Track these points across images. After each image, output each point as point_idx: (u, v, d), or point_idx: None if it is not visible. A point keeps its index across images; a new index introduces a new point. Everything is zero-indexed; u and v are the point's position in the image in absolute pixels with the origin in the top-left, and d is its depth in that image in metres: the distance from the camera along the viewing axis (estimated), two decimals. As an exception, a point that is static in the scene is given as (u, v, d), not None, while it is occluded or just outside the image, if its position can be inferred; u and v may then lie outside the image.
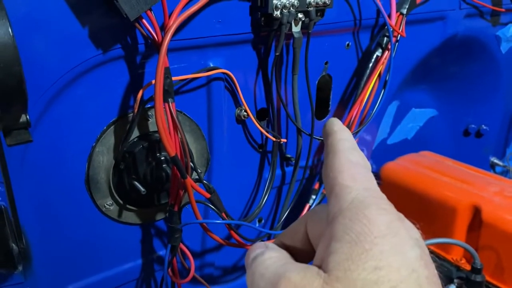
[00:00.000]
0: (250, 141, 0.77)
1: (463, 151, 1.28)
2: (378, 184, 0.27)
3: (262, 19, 0.66)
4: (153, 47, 0.59)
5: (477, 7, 1.00)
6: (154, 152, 0.65)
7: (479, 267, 0.76)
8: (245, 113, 0.71)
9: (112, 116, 0.62)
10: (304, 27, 0.70)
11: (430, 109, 1.19)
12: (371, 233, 0.23)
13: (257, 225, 0.85)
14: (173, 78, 0.57)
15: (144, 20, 0.54)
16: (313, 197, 0.83)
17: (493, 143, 1.33)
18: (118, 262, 0.72)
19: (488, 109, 1.25)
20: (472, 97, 1.22)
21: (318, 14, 0.71)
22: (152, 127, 0.64)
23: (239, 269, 0.86)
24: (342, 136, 0.29)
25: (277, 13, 0.64)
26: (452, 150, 1.25)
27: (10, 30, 0.42)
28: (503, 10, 1.04)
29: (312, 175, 0.88)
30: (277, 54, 0.68)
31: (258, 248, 0.29)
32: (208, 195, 0.65)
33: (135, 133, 0.63)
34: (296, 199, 0.83)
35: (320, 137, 0.81)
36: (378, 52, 0.81)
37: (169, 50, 0.59)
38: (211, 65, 0.66)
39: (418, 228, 0.26)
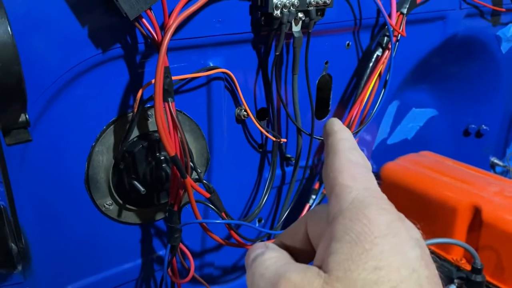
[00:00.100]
0: (250, 141, 0.76)
1: (463, 151, 1.27)
2: (378, 184, 0.27)
3: (262, 18, 0.66)
4: (153, 47, 0.59)
5: (478, 7, 1.00)
6: (154, 152, 0.65)
7: (479, 267, 0.76)
8: (245, 112, 0.71)
9: (111, 116, 0.62)
10: (304, 26, 0.70)
11: (430, 109, 1.19)
12: (371, 233, 0.23)
13: (257, 225, 0.85)
14: (173, 78, 0.57)
15: (144, 20, 0.54)
16: (313, 197, 0.83)
17: (493, 143, 1.33)
18: (118, 262, 0.72)
19: (488, 109, 1.25)
20: (472, 97, 1.22)
21: (319, 13, 0.71)
22: (151, 127, 0.64)
23: (239, 269, 0.86)
24: (342, 136, 0.29)
25: (277, 12, 0.64)
26: (452, 150, 1.25)
27: (9, 29, 0.42)
28: (503, 10, 1.04)
29: (312, 175, 0.88)
30: (277, 53, 0.68)
31: (258, 248, 0.29)
32: (208, 195, 0.64)
33: (135, 132, 0.63)
34: (296, 199, 0.83)
35: (320, 137, 0.81)
36: (379, 52, 0.81)
37: (169, 49, 0.59)
38: (211, 65, 0.66)
39: (418, 228, 0.25)
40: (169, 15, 0.55)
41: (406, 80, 0.99)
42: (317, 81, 0.80)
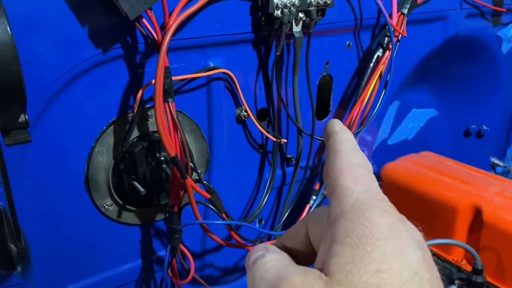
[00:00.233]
0: (250, 141, 0.76)
1: (464, 151, 1.27)
2: (379, 185, 0.27)
3: (263, 18, 0.66)
4: (153, 47, 0.58)
5: (478, 7, 1.00)
6: (154, 152, 0.65)
7: (480, 268, 0.75)
8: (245, 113, 0.71)
9: (111, 116, 0.61)
10: (305, 26, 0.70)
11: (430, 109, 1.19)
12: (372, 236, 0.23)
13: (257, 225, 0.84)
14: (173, 78, 0.57)
15: (144, 20, 0.54)
16: (314, 197, 0.82)
17: (493, 144, 1.33)
18: (118, 263, 0.71)
19: (488, 110, 1.25)
20: (473, 97, 1.22)
21: (319, 13, 0.70)
22: (152, 127, 0.64)
23: (239, 270, 0.86)
24: (343, 137, 0.29)
25: (277, 12, 0.64)
26: (453, 151, 1.25)
27: (8, 29, 0.42)
28: (504, 10, 1.04)
29: (313, 175, 0.88)
30: (278, 54, 0.68)
31: (258, 250, 0.29)
32: (208, 196, 0.64)
33: (135, 133, 0.63)
34: (296, 200, 0.83)
35: (321, 137, 0.80)
36: (379, 52, 0.81)
37: (169, 49, 0.59)
38: (211, 65, 0.66)
39: (420, 230, 0.25)
40: (169, 15, 0.55)
41: (406, 80, 0.99)
42: (317, 82, 0.80)
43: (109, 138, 0.62)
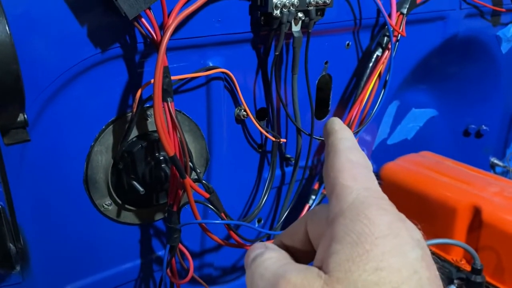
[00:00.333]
0: (249, 141, 0.76)
1: (463, 151, 1.27)
2: (379, 184, 0.27)
3: (262, 18, 0.66)
4: (152, 46, 0.58)
5: (478, 7, 1.00)
6: (153, 152, 0.65)
7: (479, 268, 0.75)
8: (244, 112, 0.71)
9: (110, 116, 0.61)
10: (304, 26, 0.69)
11: (430, 109, 1.19)
12: (372, 234, 0.23)
13: (256, 225, 0.84)
14: (172, 78, 0.57)
15: (143, 19, 0.53)
16: (313, 197, 0.82)
17: (493, 144, 1.33)
18: (117, 262, 0.71)
19: (488, 110, 1.25)
20: (472, 97, 1.22)
21: (318, 13, 0.70)
22: (151, 127, 0.64)
23: (238, 269, 0.86)
24: (343, 136, 0.29)
25: (277, 12, 0.64)
26: (452, 151, 1.25)
27: (7, 28, 0.42)
28: (503, 10, 1.04)
29: (312, 175, 0.88)
30: (277, 53, 0.67)
31: (257, 248, 0.29)
32: (207, 195, 0.64)
33: (134, 132, 0.63)
34: (295, 199, 0.83)
35: (320, 137, 0.80)
36: (378, 52, 0.81)
37: (168, 49, 0.59)
38: (211, 65, 0.66)
39: (419, 229, 0.25)
40: (169, 15, 0.55)
41: (406, 80, 0.99)
42: (317, 81, 0.80)
43: (108, 138, 0.62)
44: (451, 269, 0.82)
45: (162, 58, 0.53)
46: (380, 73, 0.81)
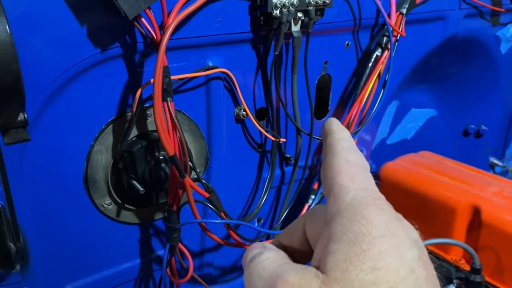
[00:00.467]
0: (249, 141, 0.76)
1: (463, 151, 1.27)
2: (377, 184, 0.27)
3: (262, 18, 0.66)
4: (152, 46, 0.58)
5: (477, 7, 1.00)
6: (153, 151, 0.65)
7: (478, 268, 0.75)
8: (244, 112, 0.71)
9: (110, 115, 0.61)
10: (304, 26, 0.70)
11: (429, 109, 1.19)
12: (369, 234, 0.23)
13: (256, 225, 0.84)
14: (172, 77, 0.57)
15: (143, 19, 0.54)
16: (312, 197, 0.82)
17: (492, 144, 1.33)
18: (117, 262, 0.71)
19: (487, 110, 1.25)
20: (472, 97, 1.22)
21: (318, 13, 0.70)
22: (150, 126, 0.64)
23: (237, 269, 0.86)
24: (340, 136, 0.29)
25: (276, 12, 0.64)
26: (452, 150, 1.25)
27: (7, 27, 0.42)
28: (503, 10, 1.04)
29: (311, 175, 0.88)
30: (277, 53, 0.68)
31: (256, 248, 0.29)
32: (207, 195, 0.64)
33: (134, 132, 0.63)
34: (295, 199, 0.83)
35: (319, 137, 0.80)
36: (378, 52, 0.81)
37: (168, 49, 0.59)
38: (210, 64, 0.66)
39: (417, 229, 0.25)
40: (168, 15, 0.55)
41: (405, 80, 0.99)
42: (316, 81, 0.80)
43: (108, 137, 0.62)
44: (450, 269, 0.82)
45: (162, 57, 0.53)
46: (379, 73, 0.81)
